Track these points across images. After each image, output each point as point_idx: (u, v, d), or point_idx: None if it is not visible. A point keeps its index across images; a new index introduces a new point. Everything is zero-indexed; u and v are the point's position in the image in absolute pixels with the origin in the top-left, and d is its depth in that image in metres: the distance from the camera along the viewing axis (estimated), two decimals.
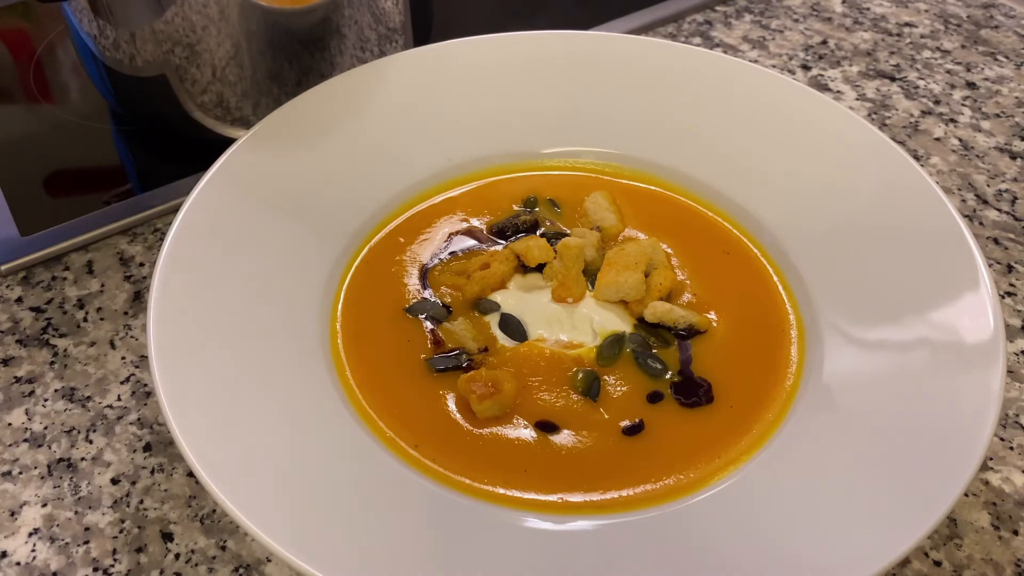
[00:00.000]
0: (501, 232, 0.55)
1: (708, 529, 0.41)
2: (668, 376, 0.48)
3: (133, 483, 0.48)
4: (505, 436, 0.46)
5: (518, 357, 0.49)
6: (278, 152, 0.55)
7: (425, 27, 0.69)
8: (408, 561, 0.39)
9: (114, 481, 0.48)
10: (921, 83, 0.75)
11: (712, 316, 0.51)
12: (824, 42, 0.80)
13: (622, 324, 0.50)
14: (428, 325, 0.50)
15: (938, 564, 0.45)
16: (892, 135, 0.70)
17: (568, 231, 0.55)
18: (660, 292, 0.51)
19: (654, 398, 0.47)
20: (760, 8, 0.83)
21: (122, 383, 0.53)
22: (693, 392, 0.47)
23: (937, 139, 0.70)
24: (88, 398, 0.52)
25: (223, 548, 0.46)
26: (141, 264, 0.60)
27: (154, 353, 0.43)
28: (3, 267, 0.58)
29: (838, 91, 0.74)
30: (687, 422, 0.46)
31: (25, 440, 0.50)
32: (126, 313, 0.57)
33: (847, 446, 0.43)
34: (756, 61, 0.77)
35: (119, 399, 0.52)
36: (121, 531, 0.46)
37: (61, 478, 0.49)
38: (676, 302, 0.51)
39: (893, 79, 0.75)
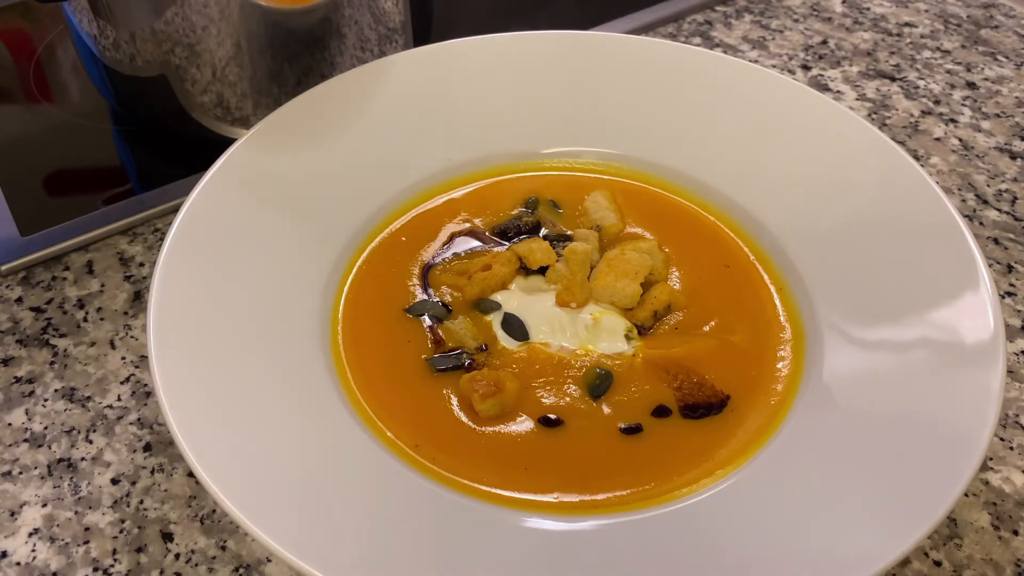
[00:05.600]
0: (503, 233, 0.55)
1: (708, 529, 0.41)
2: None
3: (133, 483, 0.48)
4: (505, 435, 0.46)
5: (520, 358, 0.49)
6: (278, 152, 0.55)
7: (425, 27, 0.69)
8: (408, 561, 0.39)
9: (114, 481, 0.48)
10: (921, 83, 0.75)
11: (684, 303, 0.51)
12: (824, 42, 0.80)
13: (622, 328, 0.50)
14: (428, 324, 0.50)
15: (938, 564, 0.45)
16: (892, 135, 0.70)
17: (569, 232, 0.55)
18: (656, 306, 0.50)
19: (660, 412, 0.47)
20: (760, 8, 0.83)
21: (122, 383, 0.53)
22: (704, 408, 0.47)
23: (937, 139, 0.70)
24: (88, 398, 0.52)
25: (223, 548, 0.46)
26: (141, 264, 0.60)
27: (154, 353, 0.43)
28: (3, 267, 0.58)
29: (838, 91, 0.74)
30: (687, 423, 0.46)
31: (25, 440, 0.50)
32: (126, 313, 0.57)
33: (847, 446, 0.43)
34: (756, 61, 0.77)
35: (119, 399, 0.52)
36: (121, 531, 0.46)
37: (61, 478, 0.49)
38: (672, 315, 0.51)
39: (893, 79, 0.75)
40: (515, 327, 0.50)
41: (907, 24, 0.82)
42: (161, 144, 0.68)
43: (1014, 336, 0.56)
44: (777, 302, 0.52)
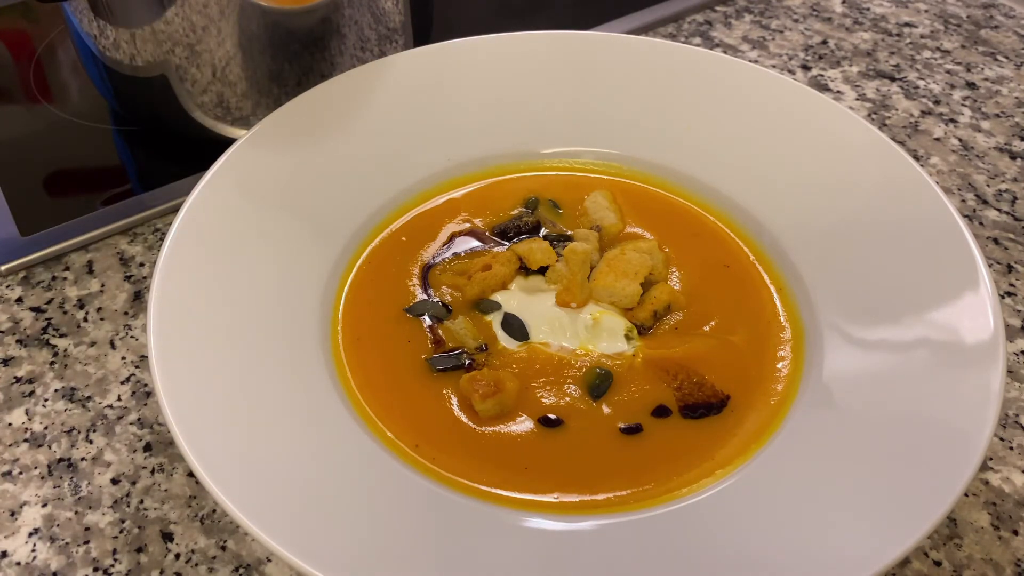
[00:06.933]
0: (503, 233, 0.55)
1: (708, 529, 0.41)
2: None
3: (133, 483, 0.48)
4: (505, 435, 0.46)
5: (520, 358, 0.49)
6: (278, 152, 0.55)
7: (425, 27, 0.69)
8: (408, 561, 0.39)
9: (114, 481, 0.48)
10: (921, 83, 0.75)
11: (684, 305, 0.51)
12: (824, 42, 0.80)
13: (622, 328, 0.50)
14: (428, 323, 0.50)
15: (938, 564, 0.45)
16: (892, 135, 0.70)
17: (569, 232, 0.55)
18: (656, 306, 0.50)
19: (660, 412, 0.47)
20: (760, 8, 0.83)
21: (122, 383, 0.53)
22: (704, 408, 0.47)
23: (937, 139, 0.70)
24: (88, 398, 0.52)
25: (223, 548, 0.46)
26: (141, 264, 0.60)
27: (154, 353, 0.43)
28: (3, 267, 0.58)
29: (838, 91, 0.74)
30: (687, 423, 0.46)
31: (25, 440, 0.50)
32: (126, 313, 0.57)
33: (847, 446, 0.43)
34: (756, 61, 0.77)
35: (119, 399, 0.52)
36: (121, 531, 0.46)
37: (61, 478, 0.49)
38: (672, 315, 0.51)
39: (893, 79, 0.75)
40: (515, 327, 0.50)
41: (907, 24, 0.82)
42: (161, 144, 0.68)
43: (1014, 336, 0.56)
44: (777, 302, 0.52)
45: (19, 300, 0.57)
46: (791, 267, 0.53)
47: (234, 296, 0.48)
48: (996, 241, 0.62)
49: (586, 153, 0.60)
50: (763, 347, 0.50)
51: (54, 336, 0.55)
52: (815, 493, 0.41)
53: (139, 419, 0.51)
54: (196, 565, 0.45)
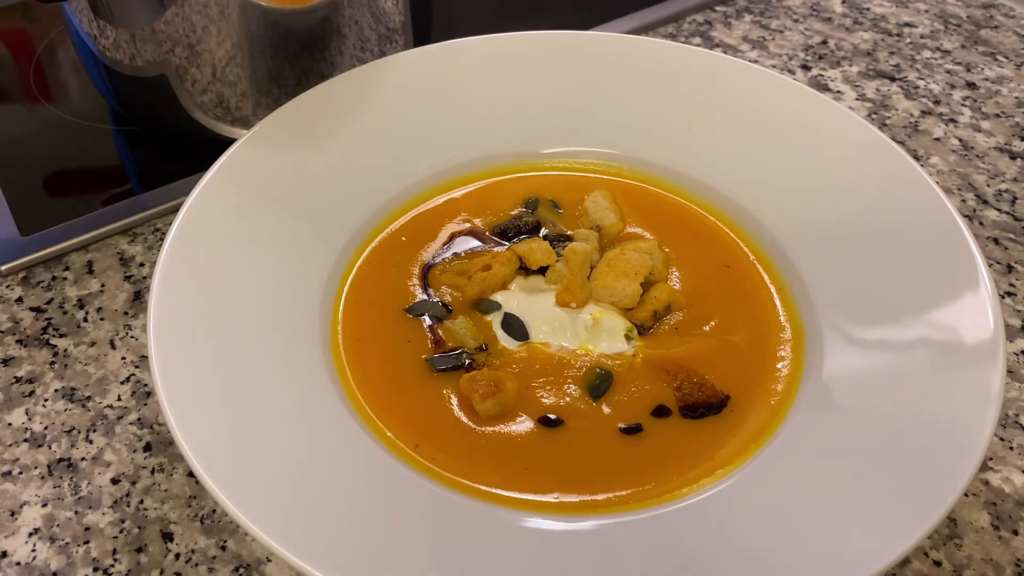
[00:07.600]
0: (503, 233, 0.55)
1: (708, 529, 0.41)
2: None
3: (133, 483, 0.48)
4: (505, 435, 0.46)
5: (520, 358, 0.49)
6: (278, 152, 0.55)
7: (425, 27, 0.69)
8: (408, 561, 0.39)
9: (114, 481, 0.48)
10: (921, 83, 0.75)
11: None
12: (824, 42, 0.80)
13: (622, 328, 0.50)
14: (428, 323, 0.50)
15: (938, 564, 0.45)
16: (892, 135, 0.70)
17: (569, 232, 0.55)
18: (656, 306, 0.50)
19: (660, 412, 0.47)
20: (760, 8, 0.83)
21: (122, 383, 0.53)
22: (704, 408, 0.47)
23: (937, 139, 0.70)
24: (88, 398, 0.52)
25: (223, 548, 0.46)
26: (141, 264, 0.60)
27: (154, 353, 0.43)
28: (3, 267, 0.58)
29: (838, 91, 0.74)
30: (687, 423, 0.46)
31: (25, 440, 0.50)
32: (126, 313, 0.57)
33: (847, 446, 0.43)
34: (756, 61, 0.77)
35: (119, 399, 0.52)
36: (121, 531, 0.46)
37: (61, 478, 0.49)
38: (672, 315, 0.51)
39: (893, 79, 0.75)
40: (515, 327, 0.50)
41: (907, 24, 0.82)
42: (161, 144, 0.68)
43: (1014, 336, 0.56)
44: (777, 302, 0.52)
45: (19, 300, 0.57)
46: (791, 267, 0.53)
47: (234, 296, 0.48)
48: (996, 241, 0.62)
49: (586, 153, 0.60)
50: (763, 347, 0.50)
51: (54, 336, 0.55)
52: (815, 493, 0.41)
53: (139, 419, 0.51)
54: (196, 565, 0.45)
